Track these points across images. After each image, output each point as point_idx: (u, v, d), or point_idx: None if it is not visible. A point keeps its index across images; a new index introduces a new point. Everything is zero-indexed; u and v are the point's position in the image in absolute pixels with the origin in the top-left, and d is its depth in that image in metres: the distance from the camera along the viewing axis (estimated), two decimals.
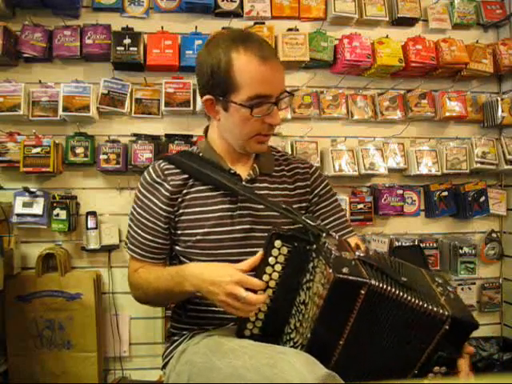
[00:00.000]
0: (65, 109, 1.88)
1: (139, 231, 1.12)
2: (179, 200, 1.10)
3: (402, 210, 2.13)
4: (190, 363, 0.98)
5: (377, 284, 0.82)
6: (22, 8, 1.95)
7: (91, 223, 1.93)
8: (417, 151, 2.13)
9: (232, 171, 1.11)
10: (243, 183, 1.10)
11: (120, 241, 1.99)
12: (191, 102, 1.96)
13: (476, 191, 2.18)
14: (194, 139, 2.01)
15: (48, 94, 1.91)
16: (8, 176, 1.95)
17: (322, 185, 1.22)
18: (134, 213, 1.14)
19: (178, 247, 1.12)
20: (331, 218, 1.20)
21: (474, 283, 2.25)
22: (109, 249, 1.98)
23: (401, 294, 0.83)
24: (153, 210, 1.10)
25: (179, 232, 1.10)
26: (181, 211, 1.10)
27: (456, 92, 2.19)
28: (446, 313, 0.84)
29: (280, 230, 0.92)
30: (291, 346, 0.92)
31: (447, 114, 2.15)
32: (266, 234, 0.95)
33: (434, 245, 2.19)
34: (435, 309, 0.84)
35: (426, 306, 0.84)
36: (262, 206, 1.07)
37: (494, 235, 2.26)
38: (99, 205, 1.99)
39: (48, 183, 1.98)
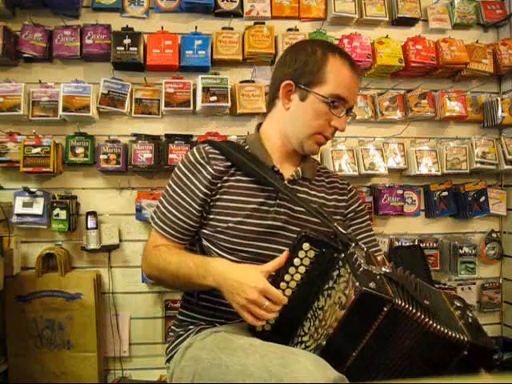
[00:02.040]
0: (65, 109, 1.87)
1: (171, 209, 1.12)
2: (218, 185, 1.11)
3: (402, 210, 2.13)
4: (195, 359, 0.97)
5: (400, 303, 0.82)
6: (22, 8, 1.95)
7: (91, 223, 1.93)
8: (417, 151, 2.13)
9: (276, 169, 1.13)
10: (285, 182, 1.13)
11: (120, 241, 1.99)
12: (191, 102, 1.96)
13: (476, 191, 2.18)
14: (194, 139, 2.01)
15: (48, 94, 1.91)
16: (8, 176, 1.94)
17: (358, 203, 1.27)
18: (170, 190, 1.14)
19: (205, 230, 1.13)
20: (363, 235, 1.23)
21: (474, 283, 2.25)
22: (109, 249, 1.97)
23: (421, 316, 0.83)
24: (191, 189, 1.11)
25: (211, 216, 1.11)
26: (217, 196, 1.11)
27: (456, 92, 2.19)
28: (466, 339, 0.84)
29: (310, 233, 0.92)
30: (303, 349, 0.91)
31: (447, 114, 2.15)
32: (295, 235, 0.95)
33: (434, 245, 2.19)
34: (455, 335, 0.84)
35: (445, 331, 0.84)
36: (298, 208, 1.10)
37: (494, 235, 2.26)
38: (99, 205, 1.99)
39: (48, 183, 1.98)
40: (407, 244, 2.14)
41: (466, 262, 2.17)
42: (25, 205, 1.86)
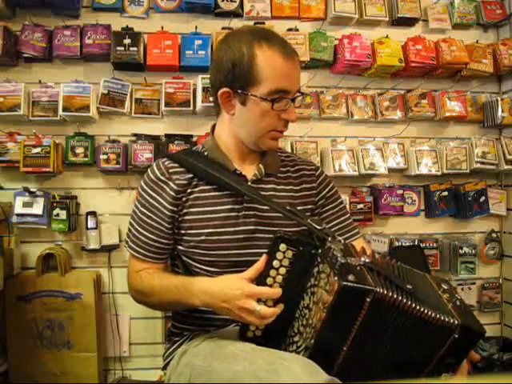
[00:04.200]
0: (65, 109, 1.88)
1: (142, 230, 1.10)
2: (184, 199, 1.08)
3: (402, 209, 2.13)
4: (190, 365, 0.98)
5: (382, 291, 0.81)
6: (22, 8, 1.95)
7: (91, 223, 1.93)
8: (417, 151, 2.13)
9: (238, 172, 1.10)
10: (249, 183, 1.10)
11: (120, 241, 1.99)
12: (191, 101, 1.96)
13: (476, 191, 2.18)
14: (194, 139, 2.01)
15: (48, 94, 1.91)
16: (8, 176, 1.95)
17: (329, 187, 1.22)
18: (137, 211, 1.12)
19: (180, 247, 1.11)
20: (337, 221, 1.20)
21: (474, 283, 2.25)
22: (109, 249, 1.97)
23: (407, 301, 0.83)
24: (157, 209, 1.09)
25: (183, 232, 1.09)
26: (185, 211, 1.08)
27: (456, 92, 2.19)
28: (456, 322, 0.84)
29: (285, 234, 0.92)
30: (294, 350, 0.91)
31: (447, 114, 2.15)
32: (270, 236, 0.94)
33: (434, 245, 2.18)
34: (445, 318, 0.84)
35: (435, 315, 0.84)
36: (267, 207, 1.07)
37: (494, 235, 2.26)
38: (99, 205, 1.99)
39: (48, 183, 1.98)
40: (407, 244, 2.14)
41: (466, 261, 2.17)
42: (25, 205, 1.86)
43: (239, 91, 1.03)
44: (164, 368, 1.16)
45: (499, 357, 2.11)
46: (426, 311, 0.83)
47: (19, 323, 1.84)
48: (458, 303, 0.90)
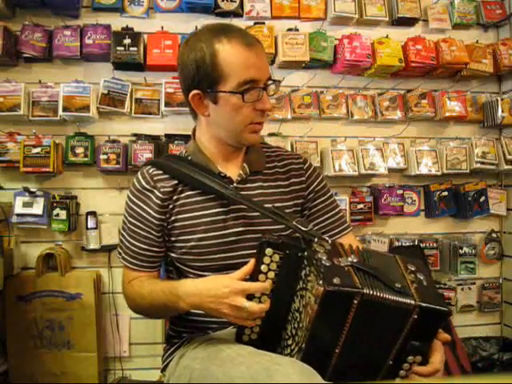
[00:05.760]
0: (65, 109, 1.88)
1: (132, 241, 1.10)
2: (170, 207, 1.07)
3: (402, 209, 2.13)
4: (188, 368, 0.98)
5: (369, 292, 0.81)
6: (22, 8, 1.95)
7: (91, 223, 1.93)
8: (417, 151, 2.13)
9: (222, 174, 1.08)
10: (234, 185, 1.08)
11: None
12: None
13: (476, 191, 2.18)
14: None
15: (48, 94, 1.91)
16: (8, 176, 1.95)
17: (318, 180, 1.19)
18: (126, 222, 1.11)
19: (173, 254, 1.11)
20: (328, 215, 1.18)
21: (474, 283, 2.25)
22: (109, 249, 1.97)
23: (393, 297, 0.82)
24: (145, 218, 1.08)
25: (173, 239, 1.08)
26: (173, 218, 1.07)
27: (456, 92, 2.19)
28: (413, 302, 0.83)
29: (270, 238, 0.90)
30: (289, 353, 0.91)
31: (447, 114, 2.15)
32: (259, 235, 0.93)
33: (434, 245, 2.19)
34: (402, 299, 0.83)
35: (395, 298, 0.82)
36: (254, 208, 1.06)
37: (494, 235, 2.26)
38: (99, 205, 1.99)
39: (48, 183, 1.98)
40: (407, 244, 2.14)
41: (466, 261, 2.17)
42: (25, 205, 1.86)
43: (208, 91, 1.02)
44: (163, 370, 1.15)
45: (499, 357, 2.12)
46: (384, 295, 0.82)
47: (19, 323, 1.84)
48: (423, 283, 0.88)
